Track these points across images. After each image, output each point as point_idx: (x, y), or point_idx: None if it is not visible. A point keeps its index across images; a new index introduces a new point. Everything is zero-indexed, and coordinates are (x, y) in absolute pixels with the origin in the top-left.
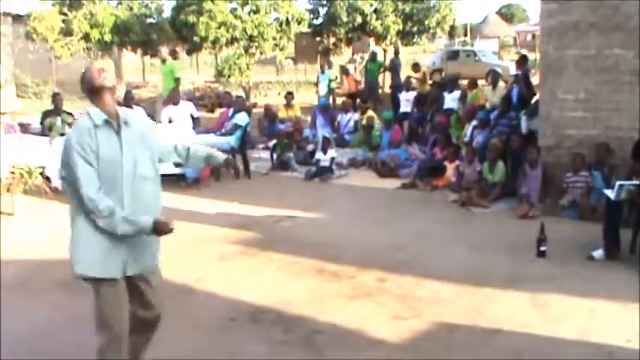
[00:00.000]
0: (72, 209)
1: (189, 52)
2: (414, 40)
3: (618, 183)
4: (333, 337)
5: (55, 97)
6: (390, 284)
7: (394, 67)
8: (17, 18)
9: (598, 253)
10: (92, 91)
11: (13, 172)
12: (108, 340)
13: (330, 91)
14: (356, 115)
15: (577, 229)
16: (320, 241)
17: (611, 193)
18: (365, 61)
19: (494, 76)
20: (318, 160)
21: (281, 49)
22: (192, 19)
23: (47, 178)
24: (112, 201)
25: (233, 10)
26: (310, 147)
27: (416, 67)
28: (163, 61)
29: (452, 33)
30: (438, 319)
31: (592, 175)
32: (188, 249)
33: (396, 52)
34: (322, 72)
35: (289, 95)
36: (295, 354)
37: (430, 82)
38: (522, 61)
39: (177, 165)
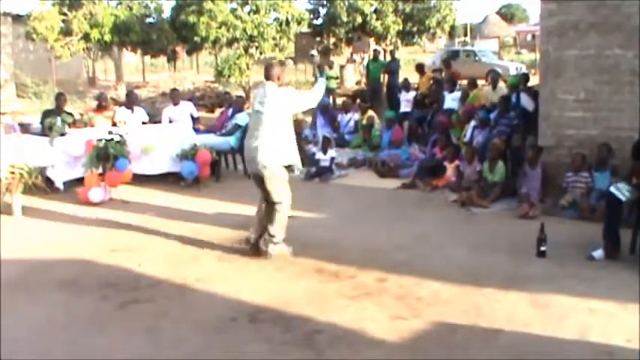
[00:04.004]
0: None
1: (189, 52)
2: (414, 40)
3: (620, 184)
4: (333, 337)
5: (59, 97)
6: (390, 284)
7: (392, 68)
8: (17, 18)
9: (598, 253)
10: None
11: (13, 172)
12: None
13: (330, 90)
14: (356, 115)
15: (577, 229)
16: (320, 241)
17: (618, 192)
18: (367, 61)
19: (494, 77)
20: (318, 160)
21: (281, 50)
22: (192, 19)
23: (48, 179)
24: None
25: (233, 10)
26: (311, 147)
27: (420, 67)
28: None
29: (452, 33)
30: (438, 319)
31: (592, 176)
32: (188, 249)
33: (392, 53)
34: (320, 72)
35: None
36: (295, 354)
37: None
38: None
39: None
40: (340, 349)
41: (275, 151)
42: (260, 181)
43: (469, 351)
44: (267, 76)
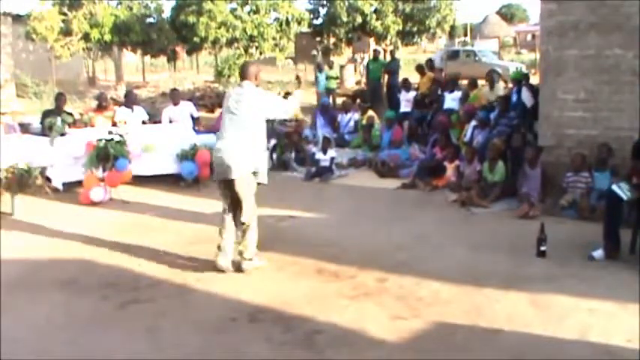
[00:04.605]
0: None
1: (189, 52)
2: (414, 40)
3: (621, 184)
4: (333, 337)
5: (59, 97)
6: (390, 284)
7: (392, 68)
8: (17, 18)
9: (598, 253)
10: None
11: (13, 172)
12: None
13: (330, 90)
14: (356, 115)
15: (577, 229)
16: (320, 241)
17: (619, 191)
18: (367, 61)
19: (491, 77)
20: (318, 160)
21: (281, 50)
22: (192, 19)
23: (47, 179)
24: None
25: (233, 10)
26: (311, 147)
27: (420, 68)
28: None
29: (452, 33)
30: (438, 319)
31: (592, 176)
32: (188, 249)
33: (392, 53)
34: (320, 71)
35: (287, 95)
36: (295, 354)
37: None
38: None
39: None
40: (340, 349)
41: (248, 156)
42: (228, 187)
43: (469, 351)
44: (245, 75)
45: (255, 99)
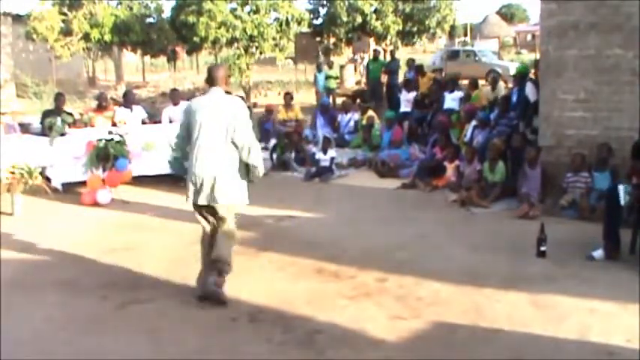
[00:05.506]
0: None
1: (189, 52)
2: (414, 40)
3: (623, 186)
4: (333, 337)
5: (58, 98)
6: (390, 284)
7: (392, 68)
8: (17, 18)
9: (598, 254)
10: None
11: (13, 172)
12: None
13: (330, 90)
14: (356, 115)
15: (577, 229)
16: (320, 241)
17: (621, 193)
18: (367, 61)
19: (493, 77)
20: (318, 160)
21: (281, 50)
22: (192, 19)
23: (47, 178)
24: None
25: (233, 10)
26: (311, 147)
27: (420, 68)
28: None
29: (452, 33)
30: (438, 319)
31: (592, 176)
32: (188, 249)
33: (392, 53)
34: (319, 71)
35: (287, 95)
36: (295, 354)
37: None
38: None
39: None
40: (340, 349)
41: (238, 178)
42: (210, 212)
43: (469, 351)
44: (215, 81)
45: (239, 110)
